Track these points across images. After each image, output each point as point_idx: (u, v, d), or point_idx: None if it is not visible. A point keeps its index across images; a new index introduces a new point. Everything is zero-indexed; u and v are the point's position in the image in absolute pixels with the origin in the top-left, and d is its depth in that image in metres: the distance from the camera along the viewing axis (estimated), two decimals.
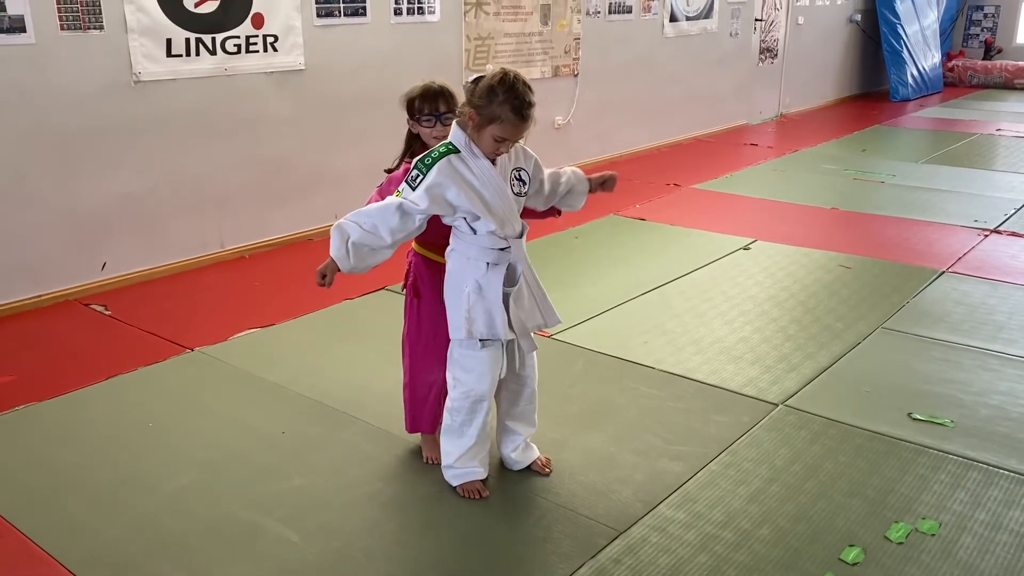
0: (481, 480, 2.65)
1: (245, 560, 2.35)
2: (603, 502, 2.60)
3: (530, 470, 2.76)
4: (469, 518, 2.54)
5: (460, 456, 2.62)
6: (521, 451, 2.75)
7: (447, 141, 2.40)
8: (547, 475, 2.74)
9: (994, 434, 3.01)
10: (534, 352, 2.66)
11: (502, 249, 2.42)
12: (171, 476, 2.74)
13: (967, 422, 3.09)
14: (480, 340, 2.46)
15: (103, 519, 2.53)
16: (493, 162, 2.40)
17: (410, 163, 2.46)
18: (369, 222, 2.35)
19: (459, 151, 2.37)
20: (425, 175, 2.34)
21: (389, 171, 2.68)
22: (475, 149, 2.36)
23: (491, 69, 2.34)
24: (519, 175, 2.47)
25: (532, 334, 2.61)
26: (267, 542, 2.43)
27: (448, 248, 2.49)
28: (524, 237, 2.49)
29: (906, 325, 3.94)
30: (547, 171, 2.58)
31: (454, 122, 2.42)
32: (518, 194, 2.47)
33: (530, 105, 2.30)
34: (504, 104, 2.27)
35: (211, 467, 2.80)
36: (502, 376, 2.58)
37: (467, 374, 2.52)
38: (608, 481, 2.71)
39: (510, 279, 2.46)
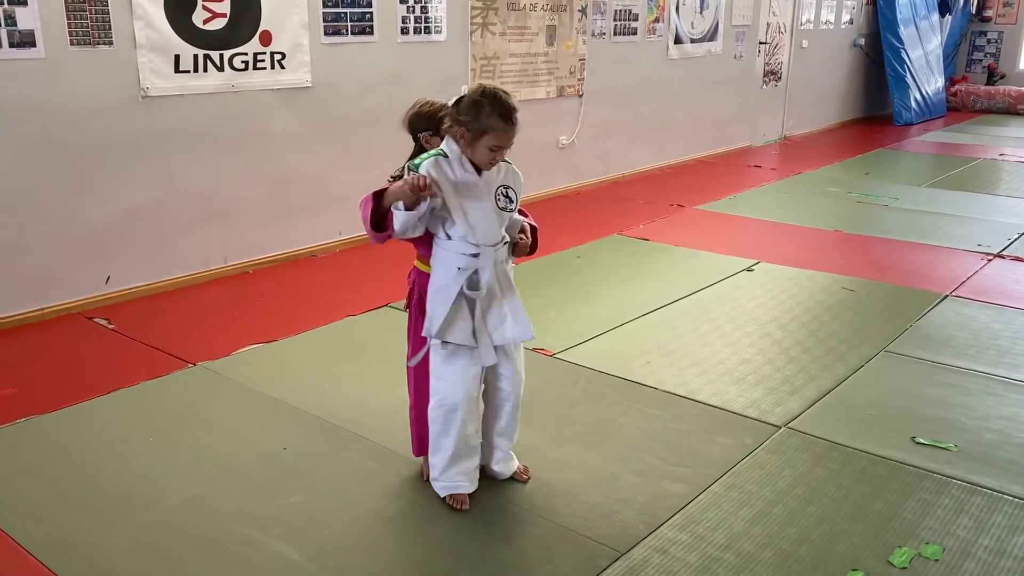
0: (467, 494, 2.67)
1: None
2: (605, 523, 2.59)
3: (524, 487, 2.77)
4: (470, 537, 2.53)
5: (444, 469, 2.64)
6: (504, 463, 2.79)
7: (438, 148, 2.50)
8: (525, 482, 2.78)
9: (998, 459, 2.99)
10: (520, 366, 2.68)
11: (473, 255, 2.48)
12: (171, 491, 2.73)
13: (971, 447, 3.07)
14: (443, 343, 2.51)
15: (102, 533, 2.52)
16: (479, 175, 2.49)
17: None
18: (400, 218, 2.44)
19: (447, 156, 2.47)
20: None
21: (394, 179, 2.68)
22: (465, 162, 2.46)
23: (465, 88, 2.45)
24: (506, 192, 2.55)
25: (517, 349, 2.65)
26: (266, 559, 2.42)
27: (432, 256, 2.56)
28: (499, 248, 2.52)
29: (910, 349, 3.93)
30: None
31: (447, 134, 2.49)
32: (503, 208, 2.53)
33: (515, 110, 2.43)
34: (492, 115, 2.39)
35: (211, 482, 2.79)
36: (483, 384, 2.62)
37: (440, 382, 2.57)
38: (610, 502, 2.70)
39: (473, 284, 2.50)
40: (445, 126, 2.48)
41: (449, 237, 2.49)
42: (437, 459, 2.64)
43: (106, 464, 2.90)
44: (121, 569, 2.37)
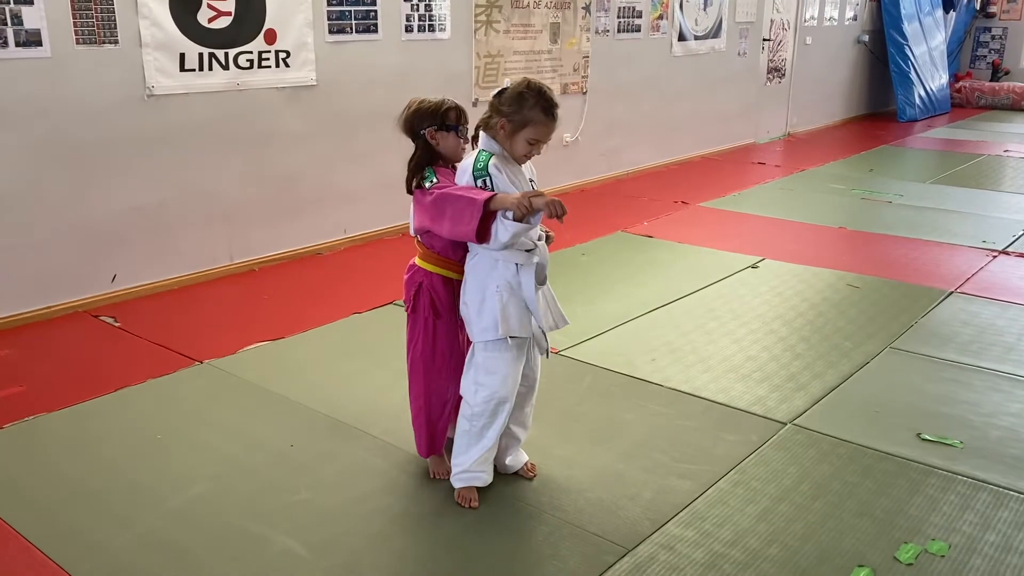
0: (479, 488, 2.68)
1: (252, 573, 2.35)
2: (611, 519, 2.60)
3: (531, 483, 2.78)
4: (477, 533, 2.54)
5: (477, 459, 2.64)
6: (515, 455, 2.81)
7: (481, 149, 2.49)
8: (531, 479, 2.79)
9: (1004, 456, 2.99)
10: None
11: (528, 251, 2.49)
12: (179, 488, 2.75)
13: (977, 443, 3.07)
14: (510, 338, 2.51)
15: (111, 530, 2.53)
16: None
17: (449, 170, 2.56)
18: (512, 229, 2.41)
19: (495, 155, 2.48)
20: (488, 177, 2.44)
21: (418, 187, 2.55)
22: (508, 157, 2.49)
23: (508, 81, 2.47)
24: (532, 186, 2.58)
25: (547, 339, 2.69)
26: (275, 555, 2.43)
27: (470, 254, 2.55)
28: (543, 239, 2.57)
29: (915, 345, 3.93)
30: None
31: (482, 132, 2.51)
32: None
33: (557, 105, 2.45)
34: (535, 108, 2.42)
35: (219, 480, 2.80)
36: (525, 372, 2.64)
37: (491, 376, 2.56)
38: (616, 498, 2.71)
39: (540, 277, 2.53)
40: (485, 115, 2.48)
41: None
42: (474, 452, 2.63)
43: (114, 461, 2.91)
44: (130, 565, 2.38)
